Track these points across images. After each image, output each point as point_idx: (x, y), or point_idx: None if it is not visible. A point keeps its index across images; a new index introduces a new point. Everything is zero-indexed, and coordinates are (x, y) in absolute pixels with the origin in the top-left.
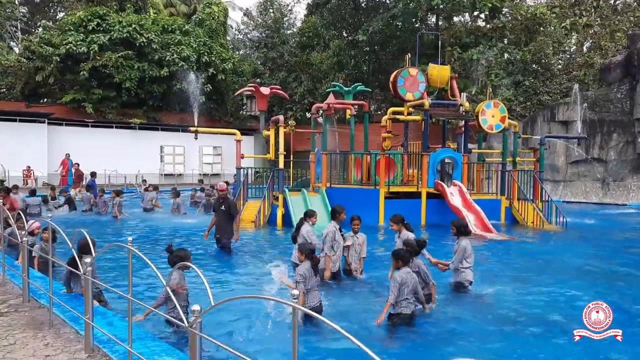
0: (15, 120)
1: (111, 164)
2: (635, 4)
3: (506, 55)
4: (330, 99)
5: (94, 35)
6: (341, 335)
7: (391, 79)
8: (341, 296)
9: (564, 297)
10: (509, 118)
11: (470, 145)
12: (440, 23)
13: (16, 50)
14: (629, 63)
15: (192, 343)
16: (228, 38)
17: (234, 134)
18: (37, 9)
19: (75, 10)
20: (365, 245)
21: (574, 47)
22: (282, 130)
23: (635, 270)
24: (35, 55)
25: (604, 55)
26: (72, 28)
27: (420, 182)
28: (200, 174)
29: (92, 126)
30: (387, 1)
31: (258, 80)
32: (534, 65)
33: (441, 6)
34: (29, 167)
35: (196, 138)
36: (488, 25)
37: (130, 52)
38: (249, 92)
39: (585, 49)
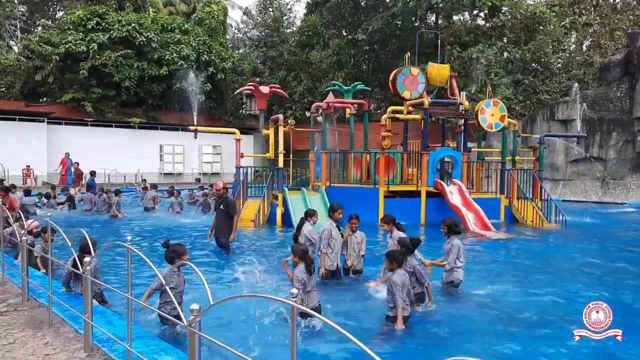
0: (14, 120)
1: (111, 163)
2: (635, 2)
3: (506, 54)
4: (330, 97)
5: (93, 34)
6: (339, 336)
7: (392, 75)
8: (340, 295)
9: (564, 295)
10: (508, 117)
11: (469, 144)
12: (439, 22)
13: (15, 49)
14: (629, 62)
15: (191, 342)
16: (227, 37)
17: (233, 133)
18: (36, 8)
19: (75, 9)
20: (364, 244)
21: (574, 45)
22: (281, 129)
23: (635, 269)
24: (35, 54)
25: (603, 54)
26: (71, 27)
27: (419, 181)
28: (199, 173)
29: (91, 125)
30: (387, 0)
31: (257, 79)
32: (533, 64)
33: (441, 5)
34: (29, 166)
35: (196, 137)
36: (488, 24)
37: (129, 51)
38: (249, 91)
39: (584, 48)
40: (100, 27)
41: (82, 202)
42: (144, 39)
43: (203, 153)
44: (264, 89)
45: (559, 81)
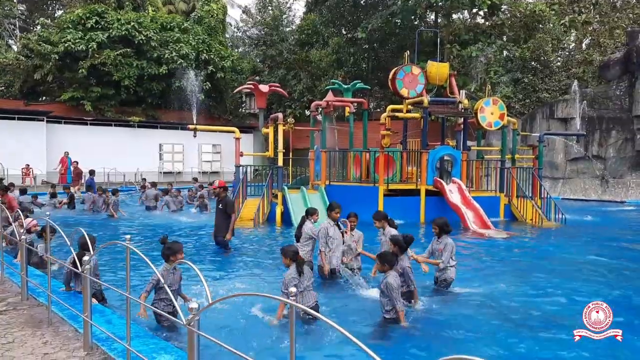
0: (14, 119)
1: (110, 162)
2: (634, 0)
3: (505, 53)
4: (329, 96)
5: (92, 33)
6: (336, 336)
7: (392, 72)
8: (338, 294)
9: (564, 294)
10: (507, 115)
11: (469, 143)
12: (439, 20)
13: (14, 48)
14: (628, 60)
15: (190, 341)
16: (227, 36)
17: (233, 132)
18: (35, 6)
19: (74, 8)
20: (361, 242)
21: (573, 44)
22: (281, 128)
23: (634, 267)
24: (34, 53)
25: (603, 52)
26: (70, 26)
27: (419, 179)
28: (199, 172)
29: (91, 124)
30: None
31: (257, 77)
32: (533, 63)
33: (440, 3)
34: (28, 165)
35: (195, 136)
36: (487, 23)
37: (128, 49)
38: (248, 90)
39: (584, 46)
40: (100, 26)
41: (83, 202)
42: (143, 38)
43: (203, 152)
44: (264, 88)
45: (559, 79)
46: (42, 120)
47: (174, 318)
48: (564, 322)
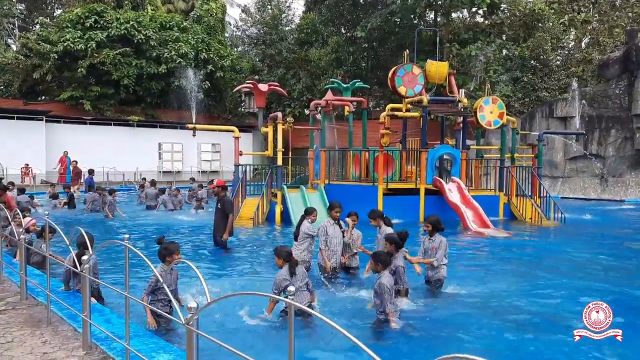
0: (13, 118)
1: (109, 161)
2: None
3: (504, 52)
4: (329, 95)
5: (91, 32)
6: (335, 336)
7: (393, 69)
8: (335, 293)
9: (563, 293)
10: (507, 114)
11: (468, 142)
12: (438, 19)
13: (13, 47)
14: (628, 59)
15: (189, 340)
16: (226, 35)
17: (232, 131)
18: (34, 5)
19: (73, 7)
20: (359, 242)
21: (573, 43)
22: (280, 127)
23: (634, 265)
24: (33, 52)
25: (602, 51)
26: (69, 25)
27: (418, 178)
28: (198, 172)
29: (90, 123)
30: None
31: (256, 77)
32: (532, 62)
33: (439, 2)
34: (27, 164)
35: (194, 135)
36: (486, 22)
37: (128, 49)
38: (247, 89)
39: (583, 45)
40: (99, 25)
41: (85, 201)
42: (143, 37)
43: (202, 151)
44: (263, 87)
45: (558, 78)
46: (41, 119)
47: (173, 317)
48: (563, 321)
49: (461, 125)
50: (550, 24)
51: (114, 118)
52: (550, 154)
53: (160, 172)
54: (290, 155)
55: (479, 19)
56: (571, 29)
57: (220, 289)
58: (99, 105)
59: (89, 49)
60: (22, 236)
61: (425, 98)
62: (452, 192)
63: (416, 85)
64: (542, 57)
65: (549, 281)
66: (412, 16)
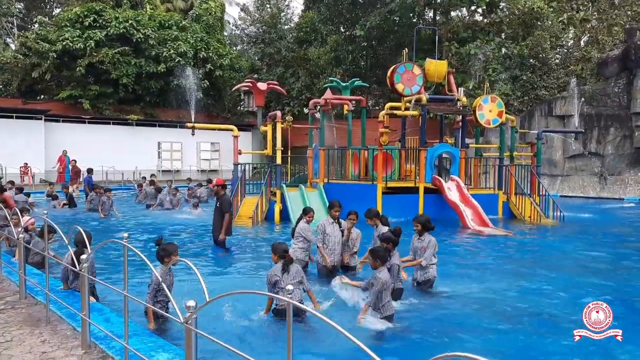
0: (12, 117)
1: (109, 160)
2: None
3: (503, 50)
4: (328, 94)
5: (90, 31)
6: (333, 336)
7: (392, 68)
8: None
9: (563, 292)
10: (506, 113)
11: (467, 140)
12: (437, 18)
13: (12, 46)
14: (626, 57)
15: (187, 339)
16: (225, 34)
17: (231, 130)
18: (33, 5)
19: (72, 6)
20: (358, 241)
21: (571, 41)
22: (279, 126)
23: (633, 264)
24: (32, 51)
25: (601, 49)
26: (68, 24)
27: (417, 177)
28: (197, 170)
29: (89, 122)
30: None
31: (255, 75)
32: (531, 60)
33: (438, 1)
34: (26, 164)
35: (193, 134)
36: (485, 20)
37: (127, 48)
38: (247, 88)
39: (582, 43)
40: (98, 24)
41: (91, 201)
42: (142, 36)
43: (201, 150)
44: (262, 86)
45: (557, 77)
46: (40, 118)
47: (172, 316)
48: (563, 321)
49: (460, 123)
50: (549, 22)
51: (113, 117)
52: (550, 153)
53: (159, 171)
54: (289, 154)
55: (478, 18)
56: (570, 28)
57: (219, 288)
58: (98, 104)
59: (88, 48)
60: (21, 235)
61: (425, 97)
62: (451, 190)
63: (414, 85)
64: (541, 55)
65: (549, 280)
66: (411, 15)
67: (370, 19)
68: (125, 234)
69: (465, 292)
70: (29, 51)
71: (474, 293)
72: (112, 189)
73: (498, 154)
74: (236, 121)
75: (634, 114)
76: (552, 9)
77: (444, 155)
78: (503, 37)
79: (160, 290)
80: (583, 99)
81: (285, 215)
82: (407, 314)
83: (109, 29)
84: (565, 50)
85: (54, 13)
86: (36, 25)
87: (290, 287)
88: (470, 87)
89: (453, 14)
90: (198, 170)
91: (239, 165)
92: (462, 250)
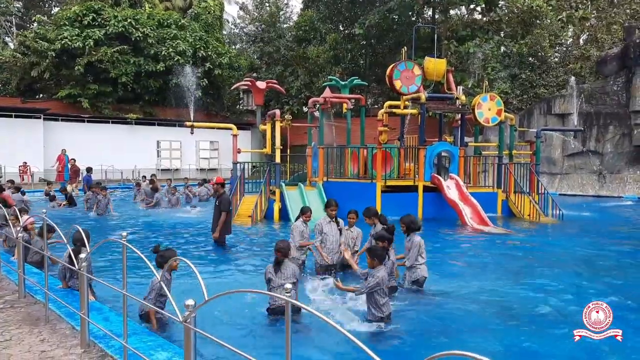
0: (10, 116)
1: (108, 159)
2: None
3: (502, 48)
4: (327, 93)
5: (89, 30)
6: (332, 335)
7: (391, 66)
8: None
9: (562, 291)
10: (505, 111)
11: (466, 139)
12: (436, 16)
13: (11, 45)
14: (625, 55)
15: (186, 338)
16: (224, 32)
17: (230, 129)
18: (32, 3)
19: (70, 5)
20: (359, 240)
21: (571, 39)
22: (278, 125)
23: (632, 263)
24: (31, 50)
25: (600, 47)
26: (67, 23)
27: (417, 175)
28: (196, 169)
29: (88, 121)
30: None
31: (254, 74)
32: (530, 58)
33: None
34: (25, 163)
35: (192, 133)
36: (484, 18)
37: (125, 46)
38: (246, 87)
39: (581, 42)
40: (96, 23)
41: (88, 200)
42: (140, 35)
43: (200, 149)
44: (261, 85)
45: (556, 75)
46: (39, 117)
47: (171, 316)
48: (563, 320)
49: (459, 122)
50: (548, 20)
51: (112, 116)
52: (549, 151)
53: (158, 169)
54: (288, 153)
55: (477, 16)
56: (569, 26)
57: (218, 286)
58: (97, 103)
59: (87, 47)
60: (20, 234)
61: (423, 95)
62: (451, 189)
63: (412, 84)
64: (540, 54)
65: (548, 278)
66: (410, 13)
67: (369, 18)
68: (124, 233)
69: (465, 290)
70: (27, 50)
71: (473, 292)
72: (111, 187)
73: (497, 152)
74: (235, 120)
75: (632, 112)
76: (551, 7)
77: (443, 154)
78: (502, 35)
79: (162, 295)
80: (582, 97)
81: (284, 214)
82: (407, 313)
83: (107, 27)
84: (564, 49)
85: (52, 12)
86: (35, 24)
87: (289, 286)
88: (470, 86)
89: (452, 12)
90: (197, 169)
91: (238, 164)
92: (462, 248)
